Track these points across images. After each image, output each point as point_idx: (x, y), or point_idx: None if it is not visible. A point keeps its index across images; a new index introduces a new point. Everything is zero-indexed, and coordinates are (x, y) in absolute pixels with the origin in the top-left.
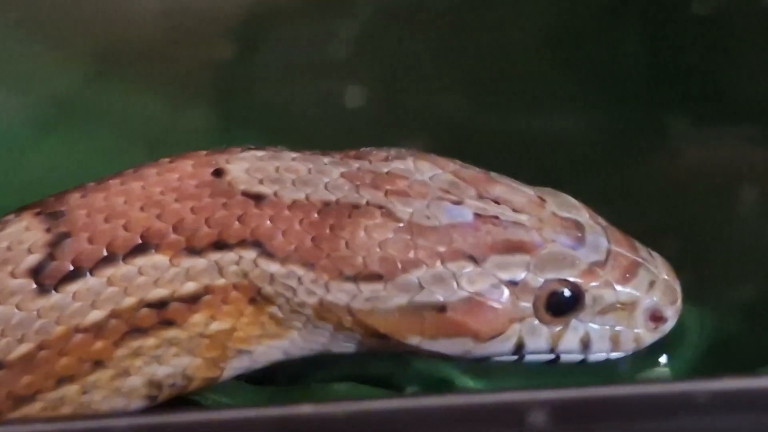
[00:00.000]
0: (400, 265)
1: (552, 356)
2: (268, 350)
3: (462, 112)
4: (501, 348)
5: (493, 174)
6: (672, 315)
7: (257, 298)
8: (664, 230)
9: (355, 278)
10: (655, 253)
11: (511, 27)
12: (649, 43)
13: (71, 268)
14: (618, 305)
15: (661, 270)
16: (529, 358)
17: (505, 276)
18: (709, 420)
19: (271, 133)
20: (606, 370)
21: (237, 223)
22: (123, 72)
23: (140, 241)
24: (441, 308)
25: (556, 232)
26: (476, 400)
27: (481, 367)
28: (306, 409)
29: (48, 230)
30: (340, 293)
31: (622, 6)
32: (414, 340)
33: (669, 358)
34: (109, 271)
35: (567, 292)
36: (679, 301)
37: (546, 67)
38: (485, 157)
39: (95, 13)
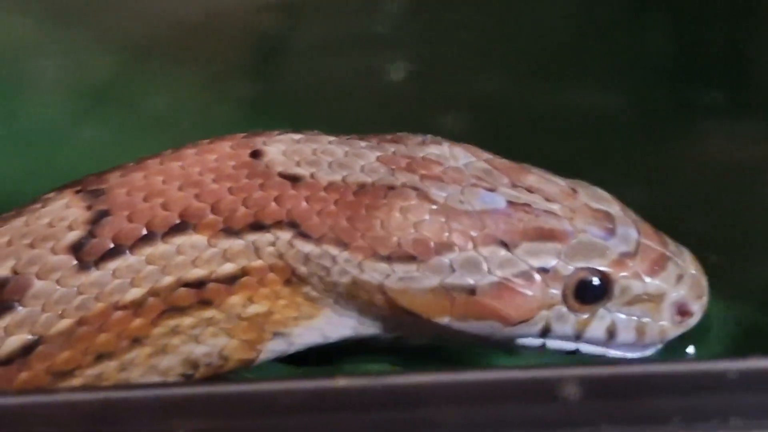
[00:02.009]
0: (433, 247)
1: (577, 345)
2: (305, 332)
3: (502, 88)
4: (527, 332)
5: (525, 164)
6: (698, 309)
7: (292, 279)
8: (691, 215)
9: (389, 258)
10: (683, 248)
11: (552, 5)
12: (686, 23)
13: (111, 245)
14: (645, 297)
15: (689, 264)
16: (554, 344)
17: (536, 263)
18: (738, 397)
19: (310, 109)
20: None
21: (273, 204)
22: (160, 57)
23: (179, 221)
24: (471, 291)
25: (587, 222)
26: (511, 375)
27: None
28: (341, 382)
29: (88, 208)
30: (374, 273)
31: None
32: (443, 320)
33: (695, 351)
34: (148, 250)
35: (596, 281)
36: (706, 297)
37: (586, 45)
38: (523, 134)
39: (131, 4)
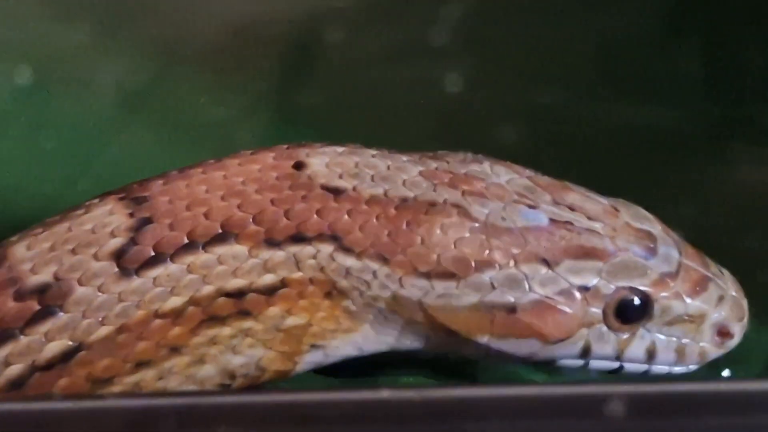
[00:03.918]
0: (473, 264)
1: (617, 364)
2: (342, 345)
3: (554, 103)
4: (567, 352)
5: (567, 183)
6: (738, 331)
7: (333, 293)
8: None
9: (429, 275)
10: (725, 270)
11: (607, 23)
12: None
13: (153, 253)
14: (686, 317)
15: (730, 286)
16: (594, 364)
17: (577, 281)
18: None
19: (357, 121)
20: None
21: (315, 216)
22: (204, 64)
23: (221, 230)
24: (511, 309)
25: (629, 242)
26: (555, 390)
27: (550, 370)
28: (385, 393)
29: (131, 215)
30: (414, 288)
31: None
32: (483, 339)
33: (732, 373)
34: (189, 259)
35: (637, 300)
36: (746, 319)
37: (640, 62)
38: (572, 149)
39: (180, 12)
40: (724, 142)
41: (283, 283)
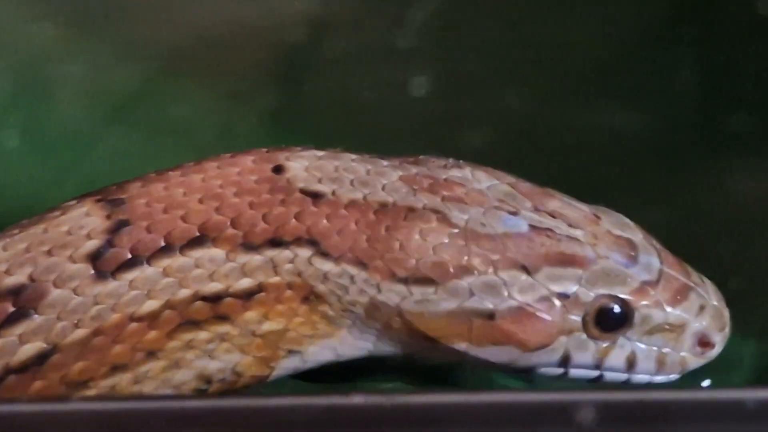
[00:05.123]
0: (452, 270)
1: (596, 373)
2: (319, 350)
3: (526, 106)
4: (546, 360)
5: (548, 189)
6: (719, 341)
7: (310, 297)
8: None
9: (407, 280)
10: (706, 279)
11: (581, 24)
12: (714, 45)
13: (129, 256)
14: (666, 326)
15: (711, 296)
16: (573, 373)
17: (557, 288)
18: (756, 427)
19: (333, 124)
20: None
21: (294, 220)
22: (184, 67)
23: (198, 234)
24: (490, 316)
25: (609, 249)
26: (527, 398)
27: (529, 379)
28: (356, 399)
29: (108, 217)
30: (391, 294)
31: (690, 7)
32: (461, 346)
33: (712, 384)
34: (166, 262)
35: (617, 309)
36: (728, 329)
37: (613, 66)
38: (546, 154)
39: (157, 14)
40: (710, 150)
41: (261, 288)
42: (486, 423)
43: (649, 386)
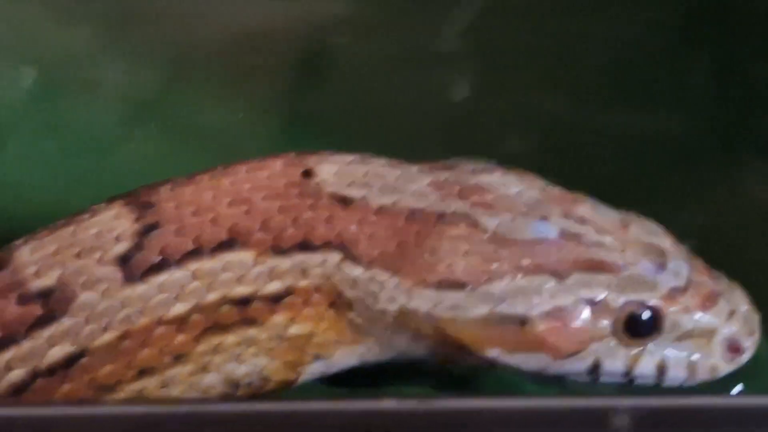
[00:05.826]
0: (482, 276)
1: (627, 380)
2: (345, 356)
3: (557, 109)
4: (577, 367)
5: (578, 195)
6: (750, 346)
7: (338, 302)
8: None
9: (438, 286)
10: (735, 285)
11: (612, 27)
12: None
13: (158, 259)
14: (696, 332)
15: (740, 301)
16: (603, 380)
17: (587, 294)
18: None
19: (365, 129)
20: None
21: (323, 225)
22: (213, 70)
23: (227, 237)
24: (522, 321)
25: (638, 256)
26: (561, 403)
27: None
28: (387, 403)
29: (137, 220)
30: (422, 300)
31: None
32: (492, 353)
33: (745, 389)
34: (194, 265)
35: (646, 315)
36: (758, 334)
37: (647, 71)
38: (576, 156)
39: (185, 16)
40: (734, 152)
41: (289, 291)
42: (519, 428)
43: (682, 391)
